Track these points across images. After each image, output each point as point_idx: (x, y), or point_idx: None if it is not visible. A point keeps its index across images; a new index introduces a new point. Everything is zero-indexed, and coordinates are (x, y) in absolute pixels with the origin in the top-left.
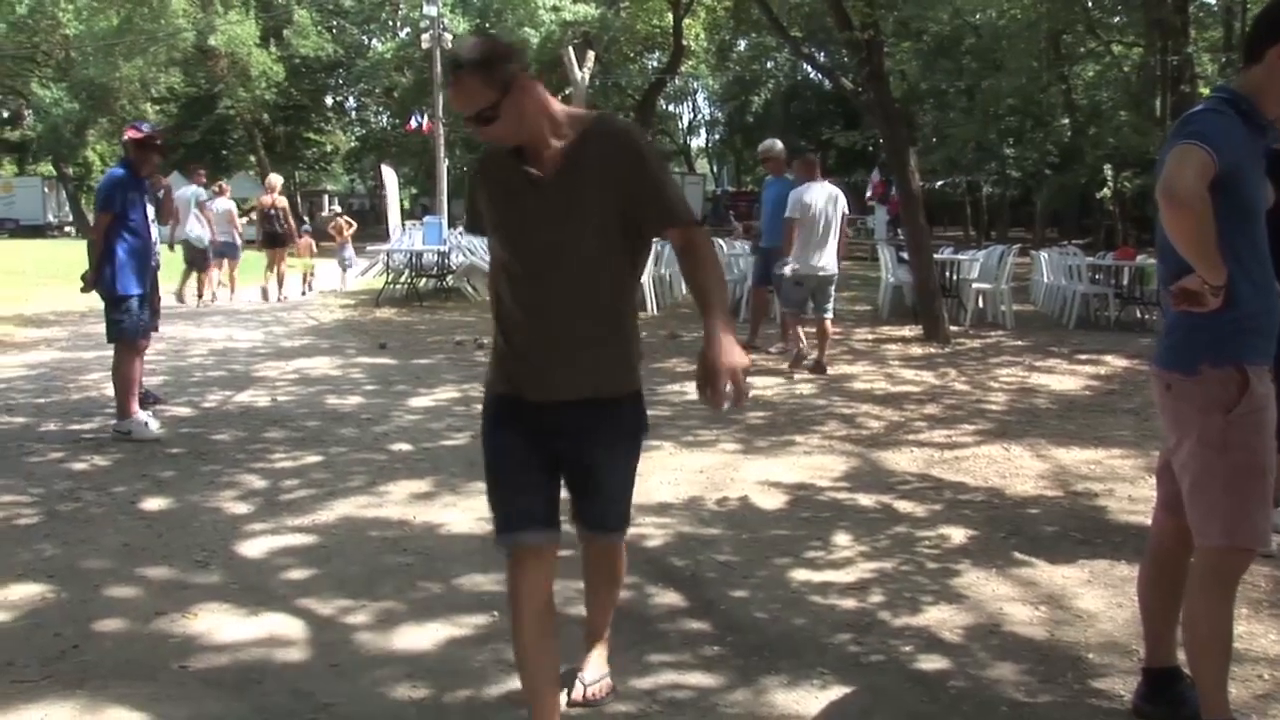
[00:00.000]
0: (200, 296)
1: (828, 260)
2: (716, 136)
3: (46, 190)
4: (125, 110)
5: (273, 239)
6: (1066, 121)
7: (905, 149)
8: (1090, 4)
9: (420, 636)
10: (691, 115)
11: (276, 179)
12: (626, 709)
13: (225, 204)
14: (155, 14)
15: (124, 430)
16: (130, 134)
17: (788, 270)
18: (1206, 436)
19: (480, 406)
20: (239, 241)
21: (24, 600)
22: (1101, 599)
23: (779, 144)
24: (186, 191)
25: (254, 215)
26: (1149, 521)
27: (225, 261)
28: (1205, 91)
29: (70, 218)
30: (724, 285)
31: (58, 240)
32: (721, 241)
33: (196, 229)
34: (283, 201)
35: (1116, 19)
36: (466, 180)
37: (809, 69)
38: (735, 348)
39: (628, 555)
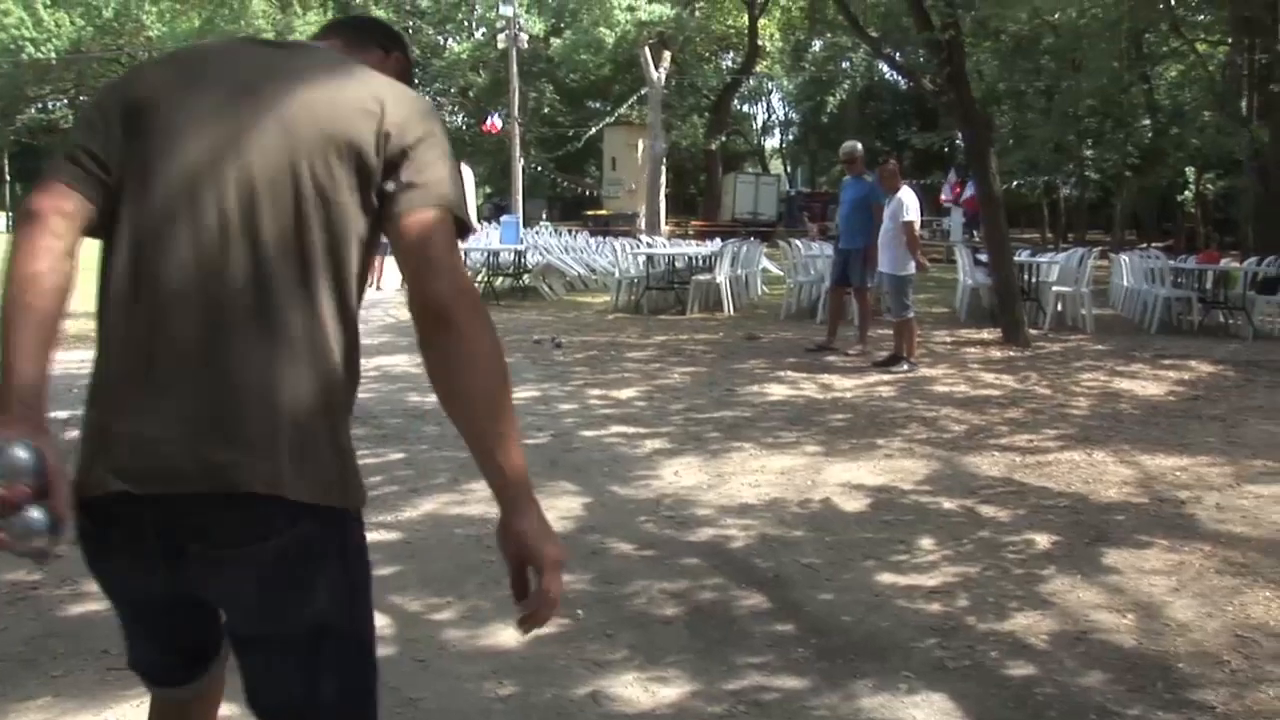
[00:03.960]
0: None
1: None
2: (790, 137)
3: None
4: None
5: None
6: (1148, 122)
7: (986, 150)
8: (1174, 1)
9: (506, 634)
10: (766, 116)
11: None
12: (714, 710)
13: None
14: (235, 15)
15: None
16: None
17: (912, 272)
18: None
19: (559, 406)
20: None
21: None
22: (1191, 609)
23: (859, 146)
24: None
25: None
26: (1239, 530)
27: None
28: None
29: None
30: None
31: None
32: (798, 242)
33: None
34: None
35: (1201, 16)
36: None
37: (884, 69)
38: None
39: (713, 557)
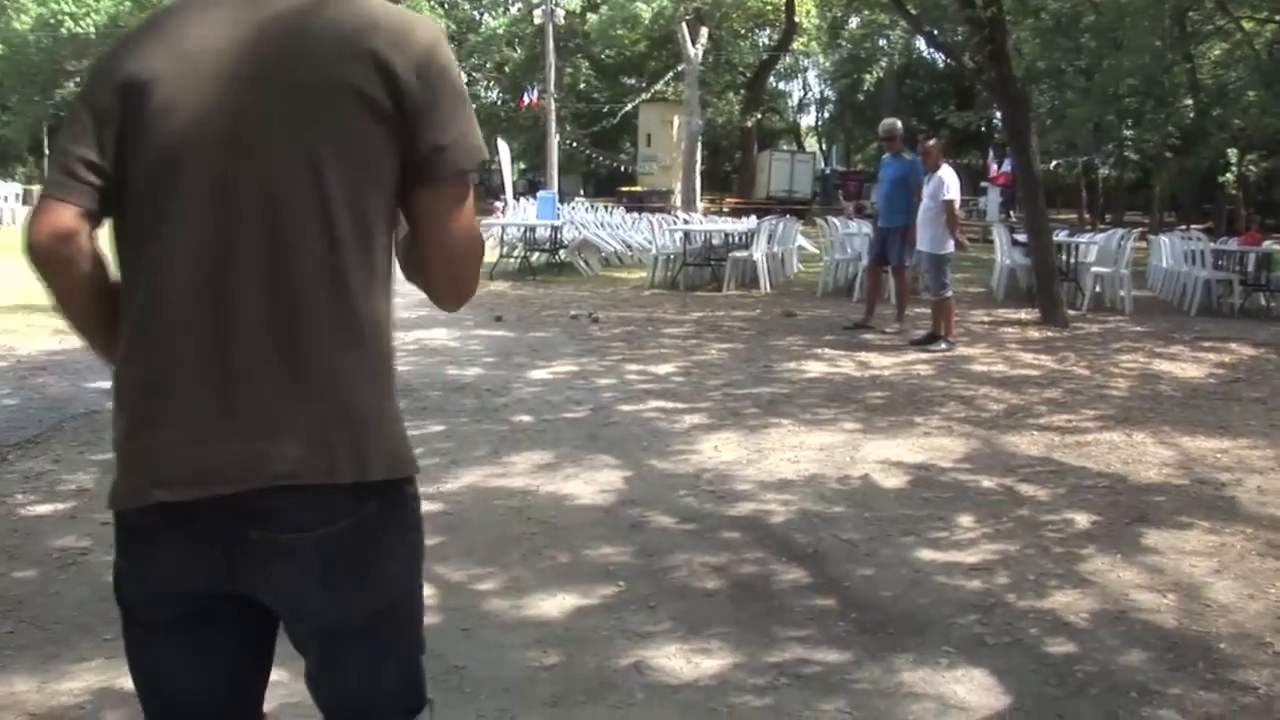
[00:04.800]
0: None
1: None
2: (826, 115)
3: None
4: None
5: None
6: (1190, 102)
7: (1027, 130)
8: None
9: (548, 604)
10: (802, 93)
11: None
12: (756, 682)
13: None
14: None
15: None
16: None
17: (951, 250)
18: None
19: (597, 381)
20: None
21: None
22: (1233, 590)
23: (899, 124)
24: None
25: None
26: None
27: None
28: None
29: None
30: None
31: None
32: (835, 219)
33: None
34: None
35: None
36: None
37: (922, 47)
38: None
39: (754, 531)
